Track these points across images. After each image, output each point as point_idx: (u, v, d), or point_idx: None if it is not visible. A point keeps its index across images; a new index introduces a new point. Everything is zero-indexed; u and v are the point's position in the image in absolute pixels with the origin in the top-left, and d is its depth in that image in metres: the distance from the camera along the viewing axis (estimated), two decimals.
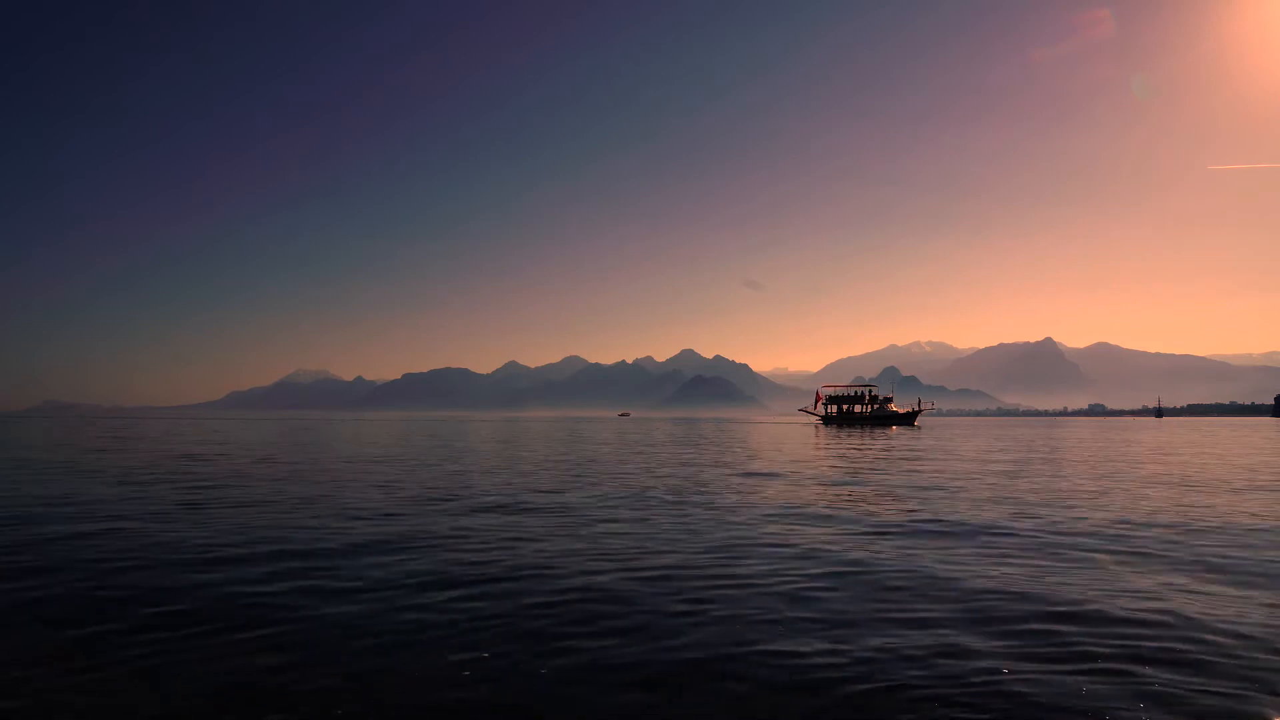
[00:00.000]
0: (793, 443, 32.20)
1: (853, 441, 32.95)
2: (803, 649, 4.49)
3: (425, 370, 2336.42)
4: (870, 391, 70.65)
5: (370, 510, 10.28)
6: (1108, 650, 4.45)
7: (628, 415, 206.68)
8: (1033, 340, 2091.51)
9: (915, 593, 5.81)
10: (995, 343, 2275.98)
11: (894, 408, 69.52)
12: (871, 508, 10.69)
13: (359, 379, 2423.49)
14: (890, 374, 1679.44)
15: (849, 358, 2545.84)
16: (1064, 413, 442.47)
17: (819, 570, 6.58)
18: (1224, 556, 7.21)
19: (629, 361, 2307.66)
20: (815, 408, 73.41)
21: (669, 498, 11.84)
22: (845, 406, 70.83)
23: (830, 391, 72.85)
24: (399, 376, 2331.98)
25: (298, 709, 3.72)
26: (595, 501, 11.37)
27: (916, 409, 69.12)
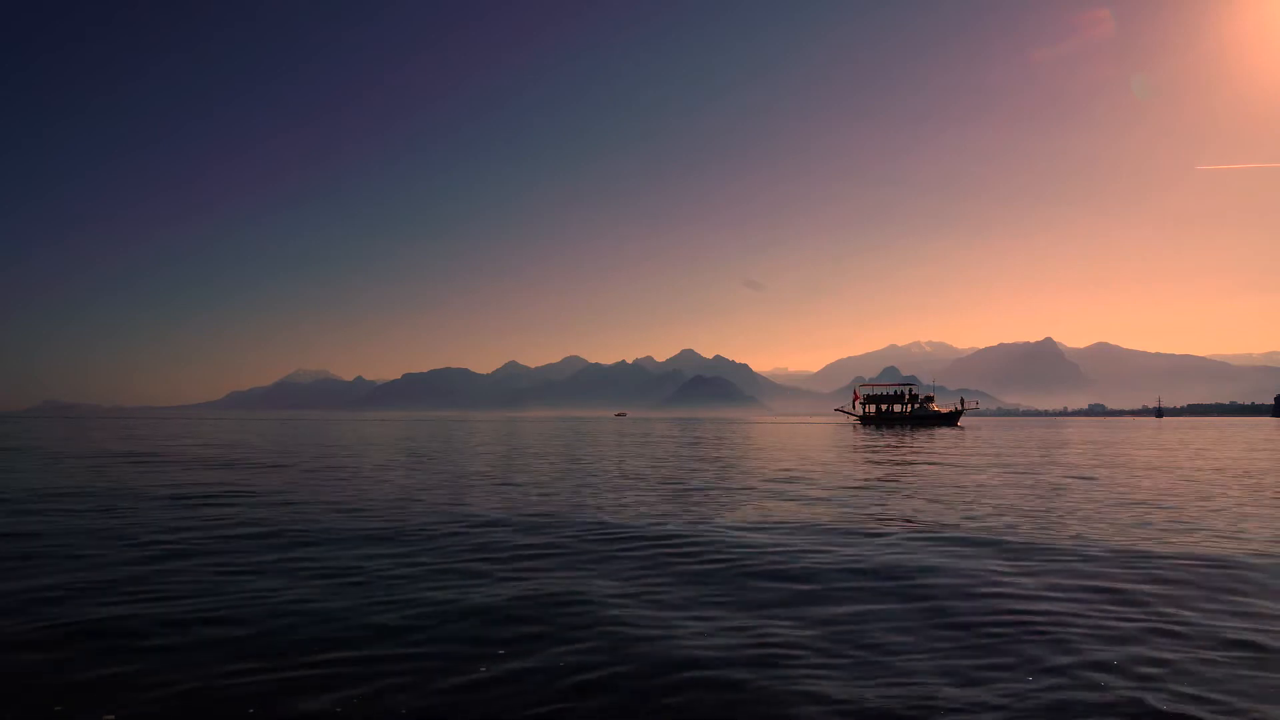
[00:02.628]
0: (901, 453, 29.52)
1: (938, 447, 30.30)
2: None
3: (425, 370, 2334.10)
4: (910, 390, 68.18)
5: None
6: None
7: (624, 415, 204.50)
8: (1033, 340, 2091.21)
9: None
10: (995, 343, 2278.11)
11: (935, 407, 67.03)
12: None
13: (359, 379, 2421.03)
14: (890, 374, 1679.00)
15: (849, 358, 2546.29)
16: (1064, 413, 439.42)
17: None
18: None
19: (629, 361, 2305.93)
20: (853, 407, 70.96)
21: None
22: (884, 406, 68.34)
23: (869, 391, 70.39)
24: (399, 376, 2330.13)
25: None
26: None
27: (959, 409, 66.57)
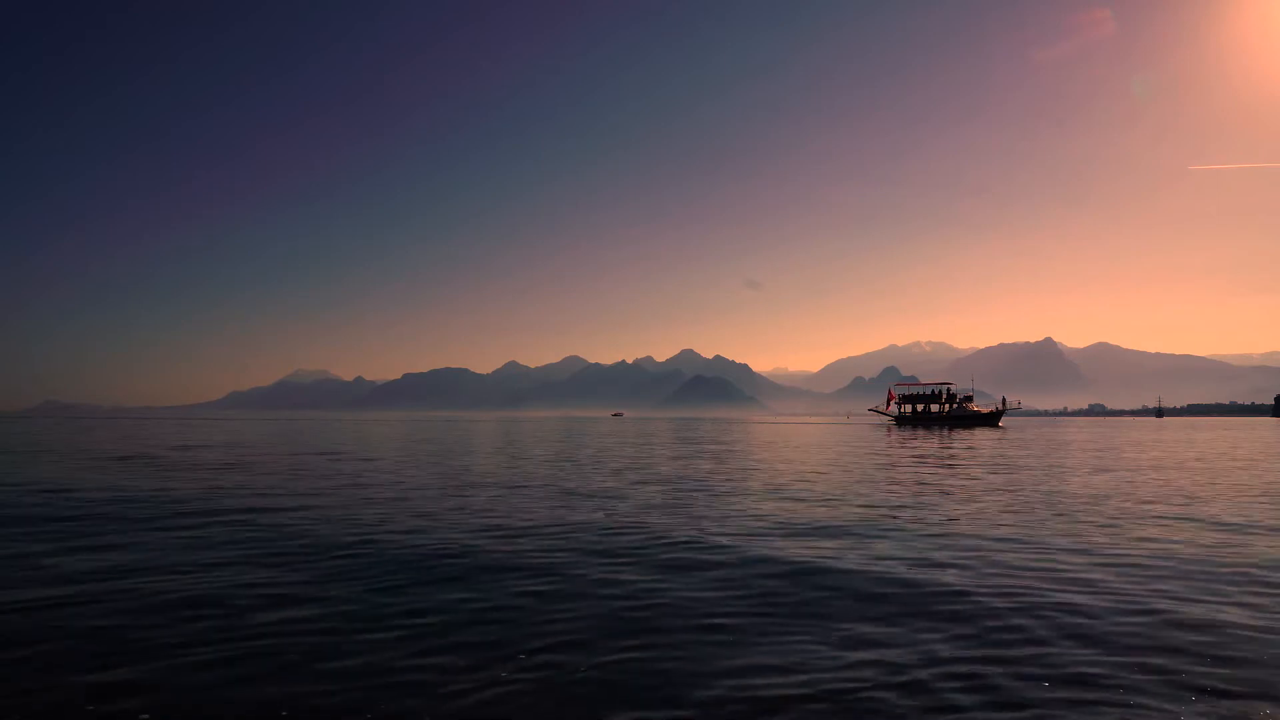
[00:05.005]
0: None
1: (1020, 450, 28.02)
2: None
3: (425, 370, 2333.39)
4: (948, 390, 66.09)
5: None
6: None
7: (621, 415, 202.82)
8: (1033, 340, 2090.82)
9: None
10: (995, 343, 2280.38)
11: (974, 407, 64.88)
12: None
13: (359, 379, 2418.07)
14: (890, 374, 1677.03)
15: (849, 358, 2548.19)
16: (1064, 413, 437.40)
17: None
18: None
19: (629, 361, 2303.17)
20: (887, 407, 68.87)
21: None
22: (921, 406, 66.25)
23: (904, 390, 68.33)
24: (399, 376, 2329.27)
25: None
26: None
27: (1000, 408, 64.41)
